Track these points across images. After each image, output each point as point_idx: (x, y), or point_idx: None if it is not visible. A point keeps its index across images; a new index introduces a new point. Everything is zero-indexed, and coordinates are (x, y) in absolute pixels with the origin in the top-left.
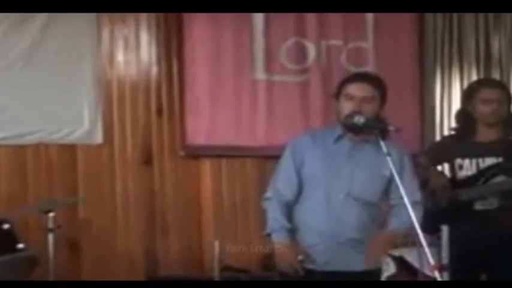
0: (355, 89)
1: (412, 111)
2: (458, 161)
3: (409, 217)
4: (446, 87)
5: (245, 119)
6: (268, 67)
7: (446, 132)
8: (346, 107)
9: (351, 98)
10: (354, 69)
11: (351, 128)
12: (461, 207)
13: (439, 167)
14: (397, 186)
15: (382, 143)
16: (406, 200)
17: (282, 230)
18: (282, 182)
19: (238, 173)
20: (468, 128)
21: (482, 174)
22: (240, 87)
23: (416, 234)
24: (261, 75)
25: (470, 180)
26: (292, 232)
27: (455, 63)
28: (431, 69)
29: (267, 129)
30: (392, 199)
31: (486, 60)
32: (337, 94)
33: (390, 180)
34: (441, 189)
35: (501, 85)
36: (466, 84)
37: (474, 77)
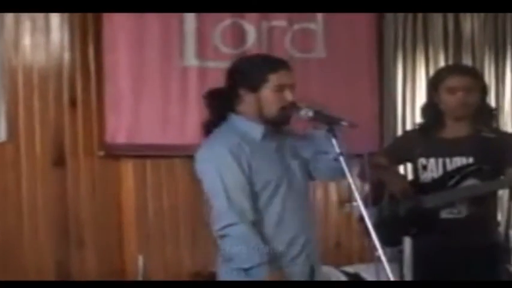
0: (283, 77)
1: (369, 103)
2: (421, 160)
3: None
4: (410, 74)
5: (174, 113)
6: (201, 52)
7: (410, 127)
8: (278, 98)
9: (279, 89)
10: (299, 55)
11: (280, 122)
12: (425, 216)
13: (401, 168)
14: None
15: (333, 141)
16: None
17: (271, 261)
18: (241, 199)
19: (165, 175)
20: (434, 122)
21: (450, 177)
22: (168, 76)
23: (374, 246)
24: (192, 61)
25: (436, 184)
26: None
27: (420, 46)
28: (391, 54)
29: (199, 123)
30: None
31: (456, 43)
32: (256, 83)
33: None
34: (401, 194)
35: (471, 71)
36: (433, 71)
37: (442, 63)
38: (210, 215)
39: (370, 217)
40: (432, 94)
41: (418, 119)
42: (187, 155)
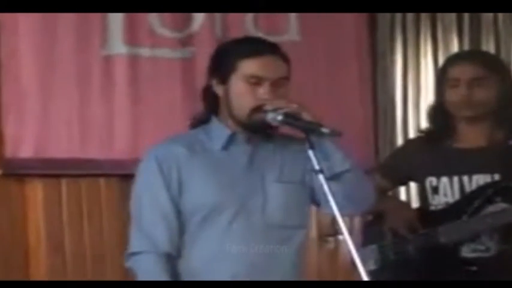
0: (260, 67)
1: (359, 103)
2: (430, 180)
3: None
4: (412, 66)
5: (95, 118)
6: (131, 36)
7: (413, 135)
8: (249, 95)
9: (254, 81)
10: (268, 37)
11: (254, 127)
12: (440, 255)
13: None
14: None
15: (311, 154)
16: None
17: None
18: (154, 222)
19: (87, 199)
20: (442, 127)
21: (470, 201)
22: (87, 68)
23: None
24: (118, 48)
25: (452, 211)
26: None
27: (425, 29)
28: (387, 39)
29: (131, 133)
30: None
31: (473, 23)
32: (224, 72)
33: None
34: (406, 229)
35: (480, 58)
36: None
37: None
38: None
39: (366, 258)
40: (437, 90)
41: (424, 125)
42: (115, 173)
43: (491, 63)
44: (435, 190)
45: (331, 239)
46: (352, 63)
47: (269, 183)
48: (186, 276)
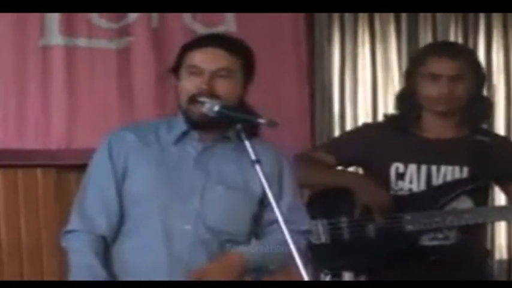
0: (201, 58)
1: (296, 93)
2: (397, 166)
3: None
4: (350, 54)
5: (32, 108)
6: (68, 26)
7: (350, 125)
8: (189, 85)
9: (195, 71)
10: (204, 29)
11: (196, 122)
12: (400, 241)
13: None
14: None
15: (247, 144)
16: (281, 222)
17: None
18: (95, 204)
19: (23, 190)
20: (410, 116)
21: (438, 195)
22: (23, 59)
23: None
24: (55, 38)
25: (416, 201)
26: None
27: (363, 19)
28: (324, 27)
29: (67, 123)
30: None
31: (411, 15)
32: (177, 66)
33: (263, 201)
34: (380, 209)
35: (462, 52)
36: (380, 49)
37: (393, 39)
38: None
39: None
40: (409, 80)
41: (361, 115)
42: (51, 164)
43: (470, 59)
44: (401, 176)
45: None
46: (289, 53)
47: (211, 185)
48: (116, 267)
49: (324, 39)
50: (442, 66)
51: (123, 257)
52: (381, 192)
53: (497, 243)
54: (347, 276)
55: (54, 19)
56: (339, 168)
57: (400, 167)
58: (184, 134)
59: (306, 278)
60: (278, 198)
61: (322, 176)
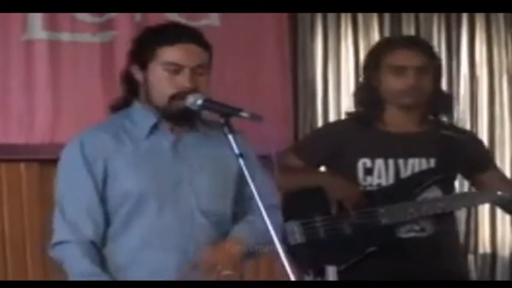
0: (179, 55)
1: (279, 87)
2: (364, 161)
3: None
4: (332, 47)
5: (16, 102)
6: (51, 21)
7: (333, 117)
8: (169, 83)
9: (174, 68)
10: (188, 22)
11: (175, 115)
12: (376, 234)
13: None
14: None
15: (231, 138)
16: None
17: None
18: (78, 212)
19: (7, 184)
20: (373, 111)
21: (407, 187)
22: (6, 54)
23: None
24: (38, 33)
25: (387, 194)
26: None
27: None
28: (307, 21)
29: (51, 117)
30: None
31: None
32: (143, 59)
33: (238, 181)
34: (353, 203)
35: (425, 45)
36: (363, 43)
37: (376, 33)
38: None
39: (290, 232)
40: (370, 74)
41: (344, 110)
42: (35, 158)
43: (431, 51)
44: (369, 171)
45: None
46: (272, 47)
47: (194, 171)
48: (113, 269)
49: (307, 35)
50: (408, 57)
51: (119, 258)
52: (350, 185)
53: (480, 237)
54: (331, 270)
55: (36, 14)
56: (307, 168)
57: (368, 162)
58: (154, 127)
59: (283, 257)
60: (253, 178)
61: (292, 180)
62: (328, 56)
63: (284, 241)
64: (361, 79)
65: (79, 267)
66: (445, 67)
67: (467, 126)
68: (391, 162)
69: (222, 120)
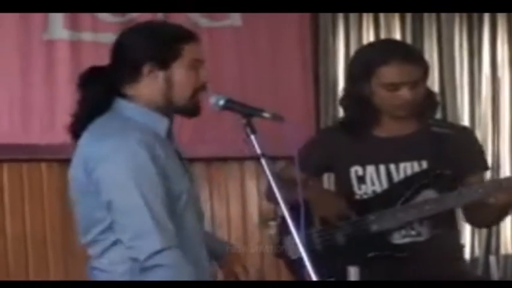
0: (201, 51)
1: (301, 89)
2: (355, 169)
3: None
4: (354, 45)
5: (37, 102)
6: (72, 21)
7: None
8: (193, 78)
9: (198, 65)
10: (208, 23)
11: (196, 113)
12: (370, 242)
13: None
14: None
15: (253, 138)
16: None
17: None
18: (165, 216)
19: (28, 183)
20: (364, 117)
21: (400, 190)
22: (28, 53)
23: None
24: (60, 33)
25: (381, 200)
26: None
27: (367, 13)
28: (329, 23)
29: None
30: None
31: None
32: (167, 58)
33: None
34: (337, 218)
35: (414, 55)
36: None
37: (397, 32)
38: (114, 240)
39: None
40: (360, 84)
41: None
42: (56, 158)
43: (422, 60)
44: (361, 179)
45: (272, 223)
46: (294, 48)
47: (188, 168)
48: None
49: (329, 35)
50: (403, 74)
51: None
52: (334, 202)
53: (502, 238)
54: (352, 271)
55: (58, 13)
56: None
57: (359, 170)
58: (169, 127)
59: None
60: None
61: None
62: (350, 55)
63: (283, 256)
64: (346, 86)
65: (187, 273)
66: (467, 67)
67: (489, 127)
68: (382, 168)
69: (243, 121)
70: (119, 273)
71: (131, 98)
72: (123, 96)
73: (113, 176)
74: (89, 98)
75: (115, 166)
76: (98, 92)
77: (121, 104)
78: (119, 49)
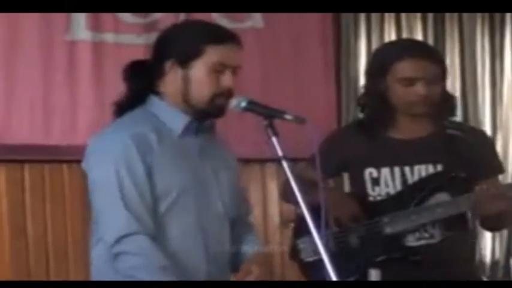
0: (227, 55)
1: (322, 90)
2: (370, 171)
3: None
4: (376, 45)
5: (59, 103)
6: (95, 21)
7: None
8: (214, 82)
9: (221, 69)
10: (229, 24)
11: (212, 115)
12: (384, 245)
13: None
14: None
15: (274, 141)
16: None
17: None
18: (139, 204)
19: (49, 184)
20: (381, 117)
21: (414, 192)
22: (50, 54)
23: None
24: (82, 33)
25: (395, 203)
26: None
27: (389, 14)
28: (351, 24)
29: (93, 119)
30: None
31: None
32: (189, 56)
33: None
34: (348, 217)
35: (432, 52)
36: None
37: (419, 33)
38: (94, 230)
39: (303, 250)
40: (377, 81)
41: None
42: (77, 159)
43: (439, 58)
44: (376, 181)
45: (293, 224)
46: (316, 49)
47: (217, 170)
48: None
49: (351, 35)
50: (419, 68)
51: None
52: (346, 203)
53: None
54: (374, 273)
55: (80, 14)
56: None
57: (374, 172)
58: (189, 126)
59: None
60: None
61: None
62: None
63: (296, 258)
64: (364, 84)
65: (154, 260)
66: (489, 69)
67: (510, 128)
68: (397, 170)
69: (265, 122)
70: (101, 263)
71: (161, 95)
72: (157, 93)
73: (94, 165)
74: (126, 92)
75: (96, 156)
76: (134, 87)
77: (151, 100)
78: (155, 44)
